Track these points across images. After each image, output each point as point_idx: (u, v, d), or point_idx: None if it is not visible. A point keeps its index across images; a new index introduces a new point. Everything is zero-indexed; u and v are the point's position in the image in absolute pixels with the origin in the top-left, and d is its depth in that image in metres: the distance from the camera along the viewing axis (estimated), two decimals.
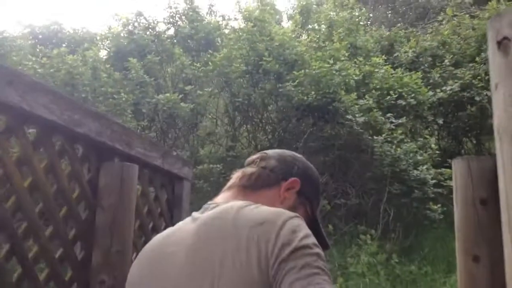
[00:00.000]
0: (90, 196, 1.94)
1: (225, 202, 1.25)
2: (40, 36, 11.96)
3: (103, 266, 1.81)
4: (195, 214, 1.27)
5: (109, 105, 8.08)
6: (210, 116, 10.27)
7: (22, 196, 1.59)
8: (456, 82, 9.44)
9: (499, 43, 1.43)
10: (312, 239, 1.10)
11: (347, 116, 8.26)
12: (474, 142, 10.26)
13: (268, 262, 1.05)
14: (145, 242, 1.62)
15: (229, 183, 1.38)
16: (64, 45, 11.12)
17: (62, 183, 1.80)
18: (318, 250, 1.09)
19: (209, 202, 1.31)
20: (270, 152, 1.43)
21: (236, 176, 1.38)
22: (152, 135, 8.64)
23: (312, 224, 1.37)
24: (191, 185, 3.00)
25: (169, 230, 1.30)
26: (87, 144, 1.97)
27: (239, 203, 1.20)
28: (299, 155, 1.46)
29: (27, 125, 1.71)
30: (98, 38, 12.01)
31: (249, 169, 1.37)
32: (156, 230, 2.37)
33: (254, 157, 1.44)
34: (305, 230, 1.11)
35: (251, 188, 1.33)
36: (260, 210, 1.16)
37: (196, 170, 7.63)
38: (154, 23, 11.37)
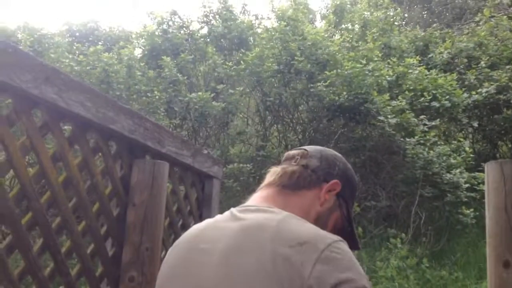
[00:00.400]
0: (122, 193, 1.97)
1: (266, 206, 1.22)
2: (77, 34, 12.21)
3: (133, 263, 1.84)
4: (235, 212, 1.23)
5: (143, 103, 8.20)
6: (241, 116, 10.31)
7: (57, 192, 1.63)
8: (492, 85, 9.24)
9: None
10: (356, 269, 1.05)
11: (379, 118, 8.17)
12: (510, 146, 10.03)
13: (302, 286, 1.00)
14: (174, 240, 1.64)
15: (268, 180, 1.34)
16: (100, 43, 11.32)
17: (96, 180, 1.84)
18: (364, 282, 1.03)
19: (249, 203, 1.28)
20: (310, 149, 1.38)
21: (275, 172, 1.34)
22: (183, 134, 8.72)
23: (347, 224, 1.36)
24: (220, 184, 3.02)
25: (205, 223, 1.26)
26: (120, 141, 2.01)
27: (281, 215, 1.16)
28: (339, 154, 1.42)
29: (63, 122, 1.75)
30: (133, 36, 12.18)
31: (290, 168, 1.32)
32: (185, 228, 2.39)
33: (294, 152, 1.38)
34: (348, 259, 1.06)
35: (291, 188, 1.29)
36: (301, 228, 1.11)
37: (226, 169, 7.66)
38: (188, 22, 11.47)
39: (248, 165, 8.12)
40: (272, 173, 1.34)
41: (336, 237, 1.09)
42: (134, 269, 1.81)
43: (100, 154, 1.93)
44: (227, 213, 1.25)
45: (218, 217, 1.27)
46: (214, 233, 1.18)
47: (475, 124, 9.35)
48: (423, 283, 6.60)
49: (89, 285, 1.75)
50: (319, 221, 1.28)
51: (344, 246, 1.08)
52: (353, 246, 1.32)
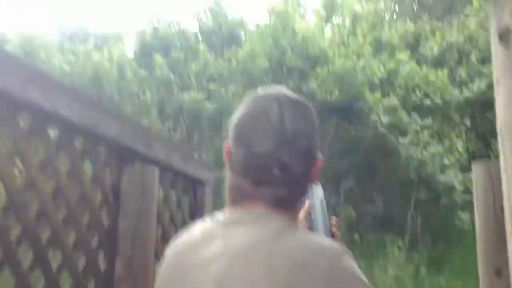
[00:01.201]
0: (113, 202, 1.93)
1: (256, 220, 1.01)
2: (68, 33, 12.13)
3: (125, 277, 1.78)
4: (222, 222, 1.04)
5: (135, 105, 8.14)
6: None
7: (46, 202, 1.59)
8: (483, 80, 9.22)
9: (500, 35, 1.26)
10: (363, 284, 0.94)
11: (372, 117, 8.17)
12: None
13: None
14: None
15: (250, 200, 1.03)
16: (90, 42, 11.25)
17: (85, 188, 1.79)
18: None
19: (236, 217, 1.04)
20: (286, 148, 1.03)
21: (252, 187, 1.03)
22: (177, 136, 8.64)
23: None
24: (214, 189, 2.92)
25: (195, 236, 1.06)
26: (108, 146, 1.95)
27: (272, 228, 0.97)
28: (306, 106, 1.14)
29: (49, 125, 1.68)
30: (124, 34, 12.12)
31: (277, 191, 1.02)
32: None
33: (266, 161, 1.01)
34: (357, 276, 0.94)
35: (282, 209, 1.03)
36: (298, 243, 0.95)
37: (221, 174, 7.59)
38: (179, 19, 11.41)
39: None
40: (247, 188, 1.04)
41: (341, 249, 0.96)
42: (127, 284, 1.75)
43: (88, 160, 1.88)
44: (215, 222, 1.06)
45: (207, 227, 1.06)
46: (206, 250, 1.02)
47: (468, 123, 9.31)
48: None
49: None
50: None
51: (350, 260, 0.95)
52: None
